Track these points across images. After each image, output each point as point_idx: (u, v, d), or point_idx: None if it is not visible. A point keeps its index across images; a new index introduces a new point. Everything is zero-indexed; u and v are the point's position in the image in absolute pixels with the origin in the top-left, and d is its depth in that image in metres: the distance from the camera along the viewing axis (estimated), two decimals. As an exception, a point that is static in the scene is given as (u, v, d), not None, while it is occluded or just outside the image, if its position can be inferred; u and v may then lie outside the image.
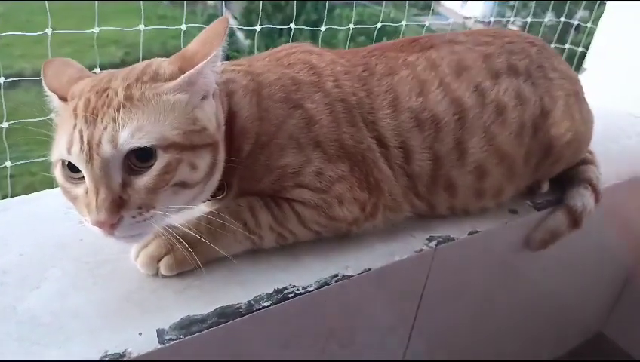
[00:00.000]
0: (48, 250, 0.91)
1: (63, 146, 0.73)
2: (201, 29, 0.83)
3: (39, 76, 0.83)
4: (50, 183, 1.07)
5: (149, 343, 0.74)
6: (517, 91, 1.07)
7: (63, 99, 0.79)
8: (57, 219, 0.98)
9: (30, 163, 1.14)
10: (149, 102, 0.74)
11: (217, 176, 0.85)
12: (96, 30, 1.12)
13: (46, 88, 0.82)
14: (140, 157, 0.73)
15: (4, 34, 0.99)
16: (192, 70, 0.76)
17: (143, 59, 0.86)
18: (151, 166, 0.74)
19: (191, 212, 0.88)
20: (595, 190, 1.23)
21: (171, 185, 0.75)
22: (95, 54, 1.19)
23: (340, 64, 1.00)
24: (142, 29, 1.12)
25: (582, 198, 1.20)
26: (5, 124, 1.06)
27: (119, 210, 0.72)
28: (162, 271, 0.83)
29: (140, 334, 0.75)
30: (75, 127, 0.73)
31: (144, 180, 0.73)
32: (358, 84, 0.99)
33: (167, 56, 0.85)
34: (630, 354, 1.89)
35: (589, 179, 1.24)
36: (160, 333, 0.75)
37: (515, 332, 1.56)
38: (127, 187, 0.73)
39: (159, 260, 0.83)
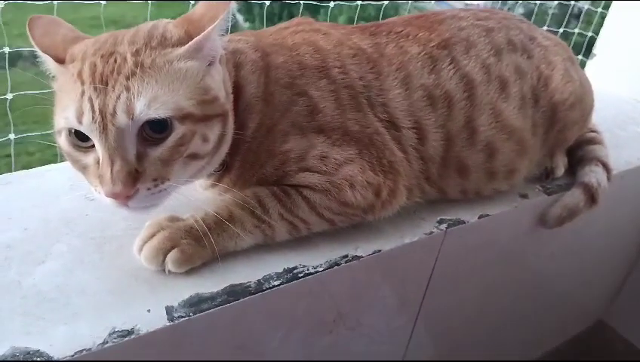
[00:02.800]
0: (53, 224, 0.89)
1: (72, 115, 0.69)
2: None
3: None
4: (47, 162, 1.05)
5: (157, 320, 0.72)
6: (516, 65, 1.07)
7: (60, 61, 0.75)
8: (62, 193, 0.96)
9: (27, 143, 1.12)
10: (161, 70, 0.71)
11: (225, 148, 0.82)
12: (103, 2, 1.09)
13: (37, 49, 0.76)
14: (154, 128, 0.71)
15: (9, 2, 0.97)
16: (201, 35, 0.73)
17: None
18: (166, 137, 0.71)
19: (197, 203, 0.85)
20: (606, 167, 1.23)
21: (184, 156, 0.74)
22: (94, 34, 1.16)
23: (347, 46, 0.97)
24: (150, 3, 1.09)
25: (595, 175, 1.20)
26: (10, 95, 1.03)
27: (135, 182, 0.70)
28: (170, 266, 0.78)
29: (149, 311, 0.73)
30: (83, 94, 0.69)
31: (159, 152, 0.72)
32: (366, 67, 0.96)
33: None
34: (631, 342, 1.90)
35: (599, 156, 1.24)
36: (169, 310, 0.74)
37: (518, 318, 1.56)
38: (142, 158, 0.71)
39: (165, 254, 0.79)
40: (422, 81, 0.98)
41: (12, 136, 1.07)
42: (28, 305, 0.73)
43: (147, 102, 0.69)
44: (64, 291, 0.75)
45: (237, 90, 0.86)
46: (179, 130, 0.72)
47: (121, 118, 0.68)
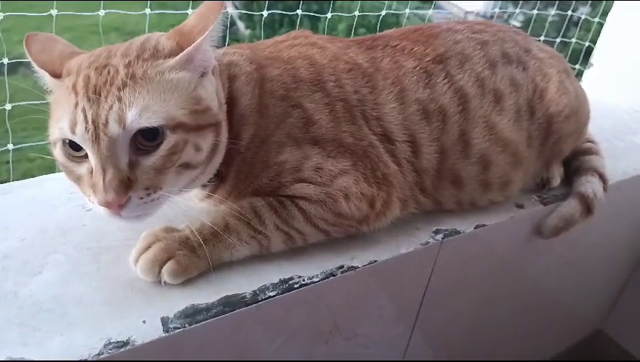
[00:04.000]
0: (50, 234, 0.89)
1: (66, 125, 0.71)
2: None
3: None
4: (48, 168, 1.06)
5: (153, 331, 0.72)
6: (511, 78, 1.08)
7: (56, 75, 0.77)
8: (59, 203, 0.96)
9: (28, 149, 1.13)
10: (153, 81, 0.72)
11: (219, 159, 0.83)
12: (101, 13, 1.10)
13: (34, 65, 0.77)
14: (146, 137, 0.72)
15: (8, 14, 0.98)
16: (191, 46, 0.74)
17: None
18: (158, 146, 0.72)
19: (193, 213, 0.86)
20: (602, 178, 1.23)
21: (177, 165, 0.74)
22: (95, 41, 1.18)
23: (343, 60, 0.98)
24: (148, 13, 1.10)
25: (591, 185, 1.20)
26: (8, 106, 1.05)
27: (127, 190, 0.71)
28: (166, 278, 0.79)
29: (144, 322, 0.74)
30: (76, 105, 0.71)
31: (151, 160, 0.72)
32: (361, 81, 0.97)
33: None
34: (629, 352, 1.90)
35: (595, 167, 1.25)
36: (164, 321, 0.74)
37: (515, 328, 1.56)
38: (134, 167, 0.72)
39: (161, 266, 0.79)
40: (417, 96, 0.99)
41: (10, 146, 1.08)
42: (24, 315, 0.73)
43: (139, 111, 0.70)
44: (60, 301, 0.76)
45: (231, 101, 0.87)
46: (170, 138, 0.73)
47: (113, 128, 0.69)
